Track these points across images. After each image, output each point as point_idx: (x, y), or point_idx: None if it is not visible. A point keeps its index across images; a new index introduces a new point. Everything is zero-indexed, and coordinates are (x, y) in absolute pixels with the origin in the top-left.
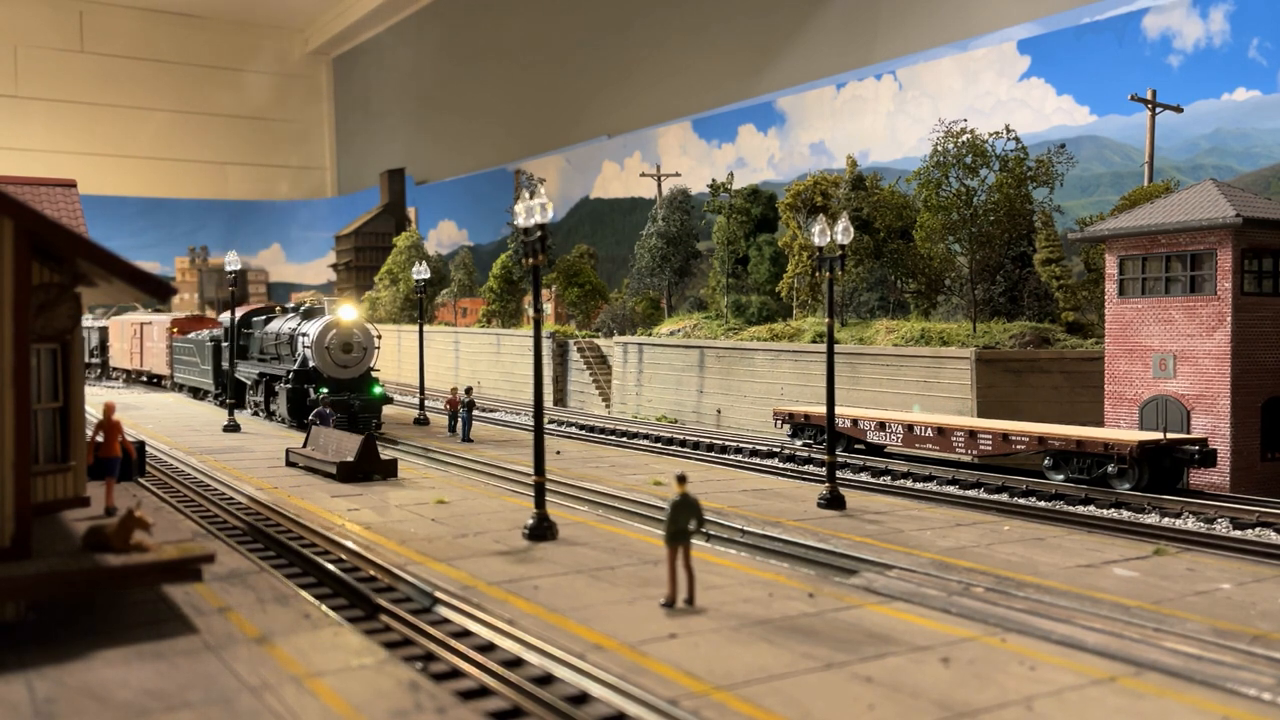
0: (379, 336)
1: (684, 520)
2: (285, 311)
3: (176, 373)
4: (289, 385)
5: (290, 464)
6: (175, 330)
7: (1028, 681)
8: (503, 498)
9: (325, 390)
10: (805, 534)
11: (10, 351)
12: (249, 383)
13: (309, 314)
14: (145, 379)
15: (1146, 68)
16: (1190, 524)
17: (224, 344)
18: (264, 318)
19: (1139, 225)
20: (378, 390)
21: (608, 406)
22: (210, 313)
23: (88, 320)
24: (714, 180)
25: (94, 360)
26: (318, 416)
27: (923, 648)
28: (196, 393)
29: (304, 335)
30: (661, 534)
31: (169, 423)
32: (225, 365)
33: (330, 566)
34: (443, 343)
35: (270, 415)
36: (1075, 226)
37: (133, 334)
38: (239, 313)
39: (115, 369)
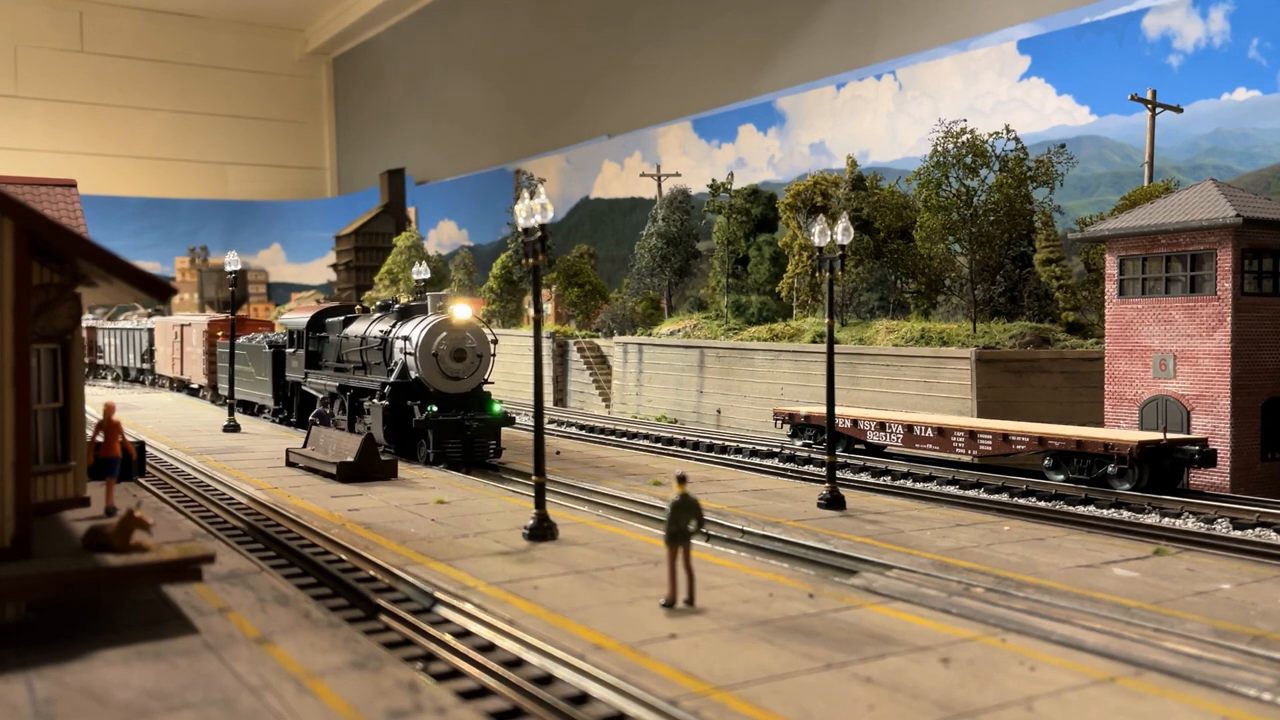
0: (495, 341)
1: (684, 520)
2: (366, 311)
3: (221, 383)
4: (385, 402)
5: (290, 464)
6: (219, 334)
7: (1028, 682)
8: (502, 498)
9: (434, 408)
10: (805, 534)
11: (10, 351)
12: (322, 398)
13: (406, 313)
14: (189, 389)
15: (1146, 68)
16: (1190, 524)
17: (289, 350)
18: (341, 318)
19: (1139, 225)
20: (497, 408)
21: (608, 406)
22: (210, 312)
23: (133, 322)
24: (714, 180)
25: (144, 365)
26: (318, 417)
27: (923, 648)
28: (252, 408)
29: (404, 339)
30: (661, 534)
31: (169, 423)
32: (291, 375)
33: (330, 567)
34: None
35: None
36: (1075, 226)
37: (174, 337)
38: (306, 314)
39: (161, 376)
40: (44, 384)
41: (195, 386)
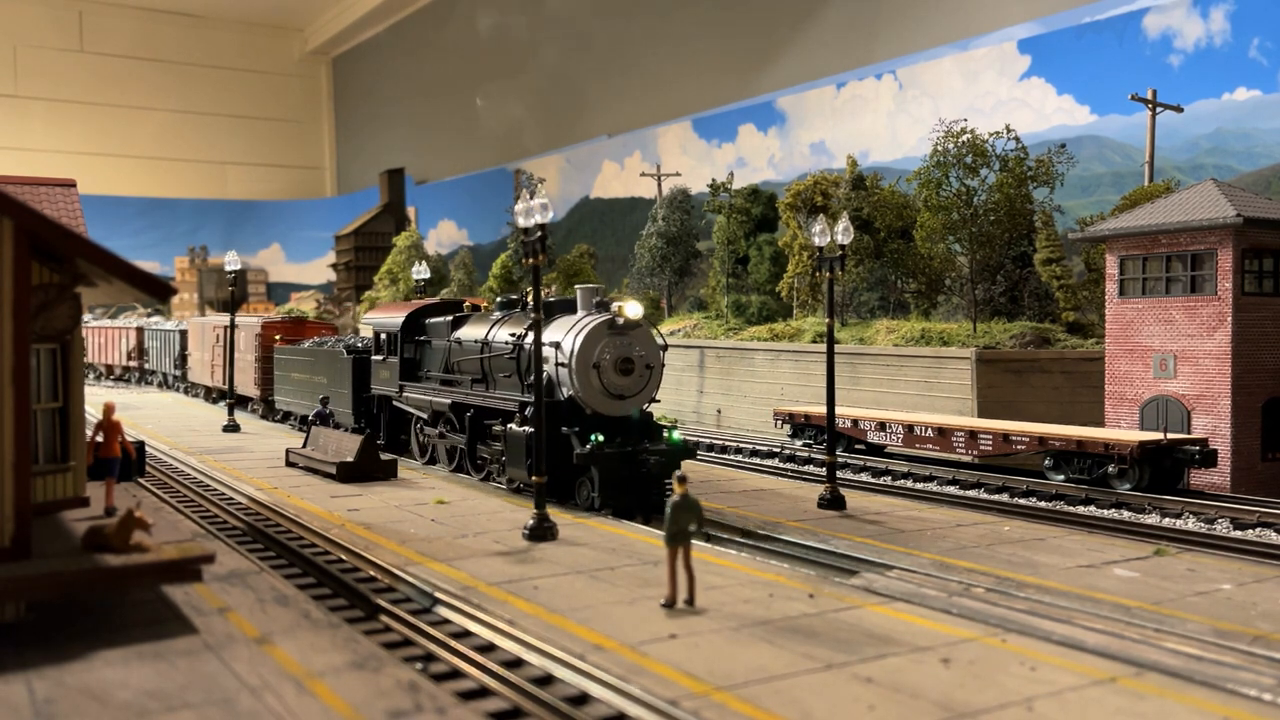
0: (665, 347)
1: (684, 521)
2: (477, 309)
3: (278, 395)
4: (529, 429)
5: (290, 464)
6: (276, 338)
7: (1028, 682)
8: (502, 498)
9: (599, 437)
10: (805, 534)
11: (10, 351)
12: (423, 418)
13: (546, 311)
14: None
15: (1147, 67)
16: (1191, 524)
17: (376, 358)
18: (448, 319)
19: (1139, 225)
20: (676, 435)
21: None
22: (211, 312)
23: (167, 324)
24: (714, 180)
25: (175, 372)
26: (317, 417)
27: (923, 648)
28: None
29: (551, 346)
30: (661, 534)
31: (169, 423)
32: (380, 388)
33: (330, 567)
34: None
35: (475, 469)
36: (1076, 226)
37: (214, 341)
38: (399, 313)
39: (195, 384)
40: (44, 384)
41: (240, 398)
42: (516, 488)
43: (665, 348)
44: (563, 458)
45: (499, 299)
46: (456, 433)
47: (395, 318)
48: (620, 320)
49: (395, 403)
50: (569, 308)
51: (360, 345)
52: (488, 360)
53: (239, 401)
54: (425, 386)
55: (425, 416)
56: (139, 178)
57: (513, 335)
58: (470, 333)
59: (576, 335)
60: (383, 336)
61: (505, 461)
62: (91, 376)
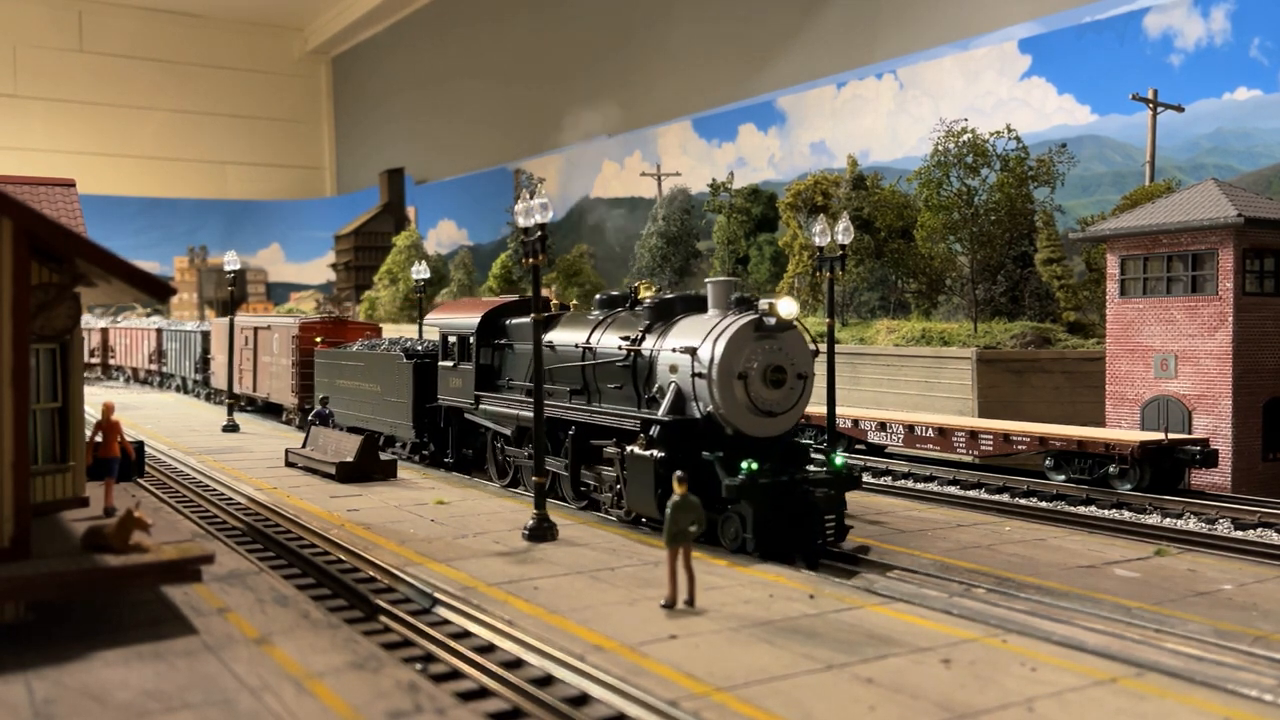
0: (817, 352)
1: (684, 521)
2: (566, 309)
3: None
4: (659, 453)
5: (289, 464)
6: (316, 340)
7: (1029, 682)
8: (502, 499)
9: (752, 464)
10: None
11: (10, 351)
12: (505, 434)
13: (666, 311)
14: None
15: (1147, 67)
16: (1191, 525)
17: (444, 365)
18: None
19: (1140, 225)
20: (839, 459)
21: None
22: (210, 313)
23: (188, 325)
24: (714, 180)
25: (196, 376)
26: (317, 417)
27: (924, 649)
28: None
29: (682, 352)
30: (662, 535)
31: (169, 423)
32: (448, 399)
33: (330, 567)
34: None
35: (577, 495)
36: (1076, 226)
37: (242, 344)
38: (473, 313)
39: (219, 392)
40: (43, 384)
41: (273, 405)
42: (635, 519)
43: (817, 353)
44: (702, 488)
45: (598, 297)
46: (551, 453)
47: (469, 318)
48: (771, 321)
49: (469, 415)
50: (694, 305)
51: (420, 349)
52: (591, 369)
53: (270, 410)
54: (507, 398)
55: (508, 433)
56: (139, 178)
57: (627, 339)
58: (565, 336)
59: (717, 340)
60: (451, 340)
61: (625, 490)
62: (121, 380)
